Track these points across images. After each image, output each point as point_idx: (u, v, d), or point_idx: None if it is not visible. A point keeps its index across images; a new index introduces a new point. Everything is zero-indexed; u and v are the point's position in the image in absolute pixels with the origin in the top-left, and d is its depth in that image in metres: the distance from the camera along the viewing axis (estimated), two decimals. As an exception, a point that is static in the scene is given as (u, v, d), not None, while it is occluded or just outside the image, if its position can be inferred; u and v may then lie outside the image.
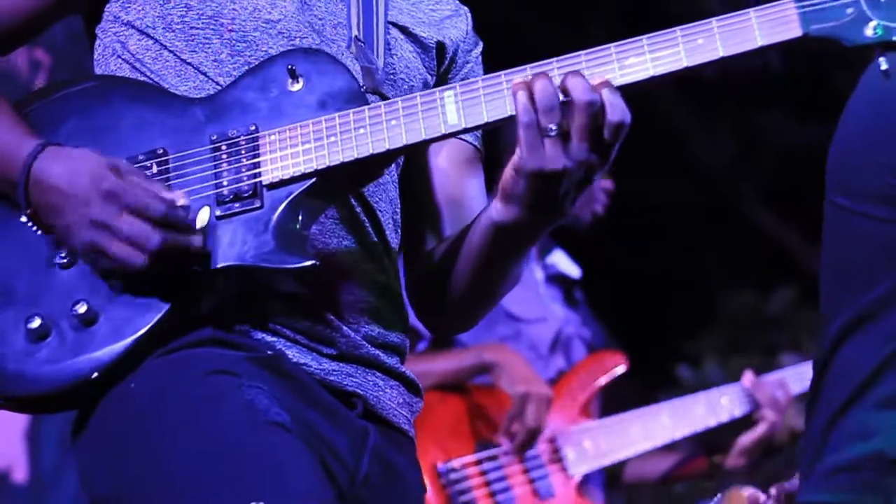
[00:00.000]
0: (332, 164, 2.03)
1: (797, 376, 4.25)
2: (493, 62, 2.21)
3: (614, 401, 4.36)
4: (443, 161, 2.29)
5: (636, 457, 4.24)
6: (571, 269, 4.44)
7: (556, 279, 4.40)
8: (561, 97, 1.94)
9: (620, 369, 4.28)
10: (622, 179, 4.22)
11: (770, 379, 4.24)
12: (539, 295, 4.27)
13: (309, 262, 2.01)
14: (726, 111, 8.41)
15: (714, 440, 4.35)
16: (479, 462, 3.94)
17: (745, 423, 4.25)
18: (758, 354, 7.94)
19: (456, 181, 2.30)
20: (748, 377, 4.24)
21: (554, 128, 1.93)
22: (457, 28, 2.35)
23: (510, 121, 2.01)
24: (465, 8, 2.40)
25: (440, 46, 2.31)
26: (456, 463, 3.91)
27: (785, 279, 8.77)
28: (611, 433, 4.15)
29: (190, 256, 2.01)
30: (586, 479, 4.14)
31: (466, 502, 3.87)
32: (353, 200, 2.17)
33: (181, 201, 2.01)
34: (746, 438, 4.24)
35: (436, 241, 2.27)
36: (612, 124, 1.93)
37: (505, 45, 2.52)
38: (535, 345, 4.22)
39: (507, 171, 2.00)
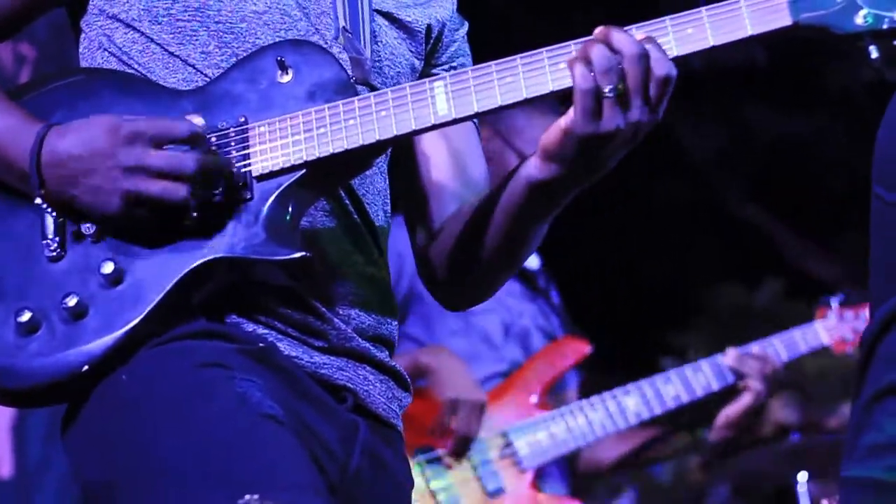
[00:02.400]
0: (322, 155, 2.03)
1: (780, 345, 4.21)
2: (480, 57, 2.21)
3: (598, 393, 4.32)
4: (440, 140, 2.29)
5: (596, 442, 4.15)
6: (529, 261, 4.38)
7: None
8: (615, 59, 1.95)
9: (581, 356, 4.21)
10: (609, 173, 4.19)
11: (752, 350, 4.20)
12: None
13: (299, 254, 2.01)
14: (713, 105, 8.42)
15: (691, 415, 4.29)
16: (416, 465, 3.88)
17: (727, 395, 4.19)
18: (745, 347, 7.94)
19: (456, 159, 2.30)
20: (731, 353, 4.17)
21: (611, 88, 1.94)
22: (443, 7, 2.34)
23: (500, 110, 2.02)
24: None
25: (427, 28, 2.31)
26: None
27: (772, 272, 8.78)
28: (568, 421, 4.10)
29: (227, 180, 2.01)
30: (543, 473, 4.09)
31: None
32: (342, 192, 2.17)
33: (198, 121, 2.02)
34: (731, 410, 4.18)
35: (443, 215, 2.27)
36: (660, 78, 1.95)
37: (493, 41, 2.51)
38: (487, 336, 4.17)
39: (553, 134, 2.00)
